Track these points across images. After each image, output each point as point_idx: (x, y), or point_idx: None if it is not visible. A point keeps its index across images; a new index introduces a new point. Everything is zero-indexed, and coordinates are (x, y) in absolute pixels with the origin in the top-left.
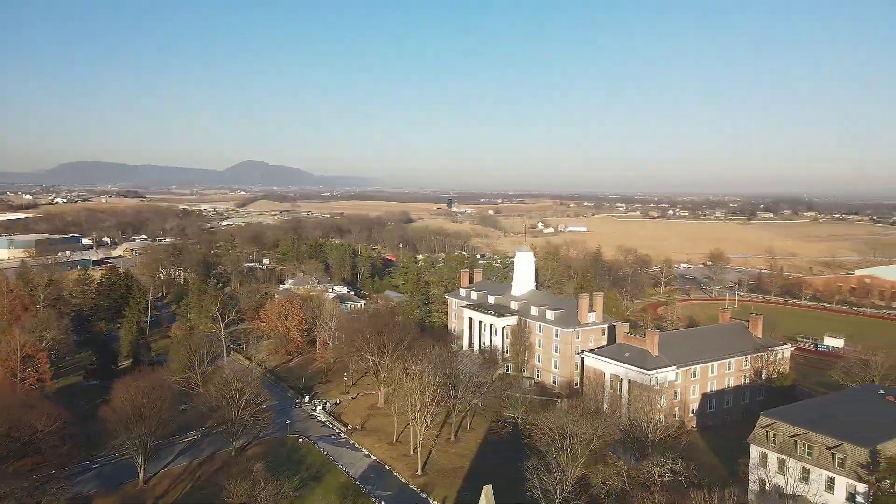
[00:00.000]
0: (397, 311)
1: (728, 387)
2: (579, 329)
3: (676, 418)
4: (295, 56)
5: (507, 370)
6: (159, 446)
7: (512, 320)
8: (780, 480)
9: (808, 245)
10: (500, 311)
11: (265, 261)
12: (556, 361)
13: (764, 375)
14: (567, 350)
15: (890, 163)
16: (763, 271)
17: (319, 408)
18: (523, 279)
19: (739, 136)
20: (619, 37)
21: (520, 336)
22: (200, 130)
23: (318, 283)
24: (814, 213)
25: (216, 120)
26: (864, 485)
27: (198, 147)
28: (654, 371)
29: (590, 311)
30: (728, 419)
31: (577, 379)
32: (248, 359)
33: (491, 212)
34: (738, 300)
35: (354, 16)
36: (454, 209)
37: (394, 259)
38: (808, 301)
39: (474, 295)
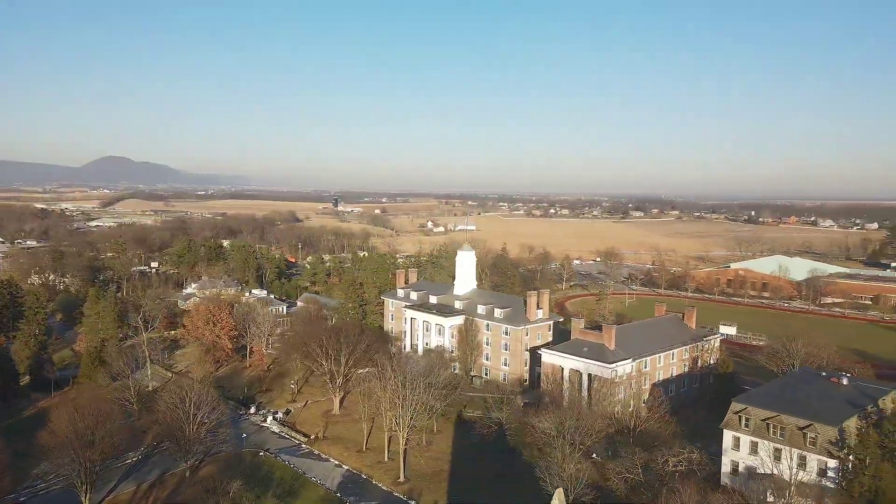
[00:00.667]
0: (331, 314)
1: (672, 376)
2: (528, 326)
3: (632, 409)
4: (158, 45)
5: (455, 370)
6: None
7: (459, 320)
8: (752, 461)
9: (680, 241)
10: (446, 310)
11: (153, 264)
12: (505, 359)
13: (700, 363)
14: (517, 347)
15: (734, 167)
16: (649, 266)
17: (270, 418)
18: (465, 278)
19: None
20: (484, 36)
21: (467, 335)
22: (51, 122)
23: (228, 286)
24: (678, 212)
25: (70, 111)
26: (835, 460)
27: (49, 141)
28: (615, 364)
29: (537, 309)
30: (676, 407)
31: (527, 375)
32: (169, 370)
33: (378, 211)
34: (636, 294)
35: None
36: (341, 208)
37: (294, 260)
38: (693, 293)
39: (414, 295)
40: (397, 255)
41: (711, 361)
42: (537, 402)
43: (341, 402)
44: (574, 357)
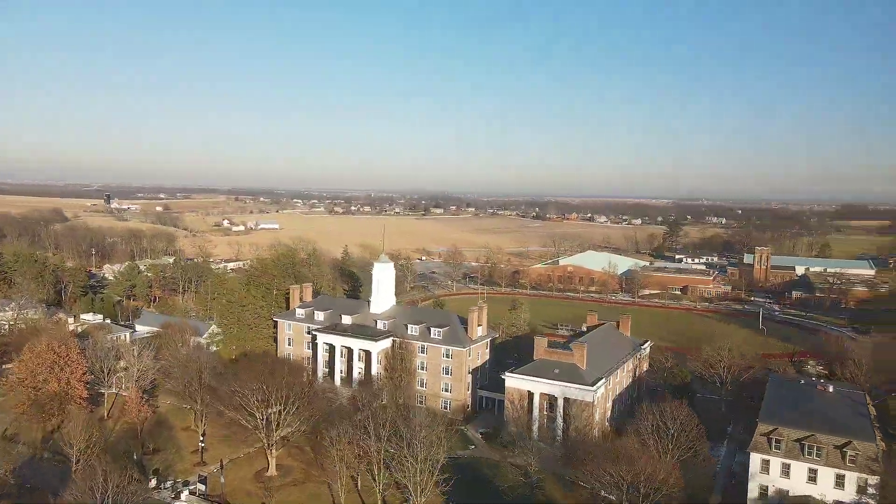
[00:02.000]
0: (208, 342)
1: (623, 390)
2: (472, 346)
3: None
4: None
5: (383, 401)
6: None
7: (388, 342)
8: (784, 484)
9: (492, 237)
10: (369, 332)
11: None
12: (447, 384)
13: (638, 374)
14: (460, 370)
15: (517, 166)
16: (477, 264)
17: (186, 493)
18: (384, 294)
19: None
20: (258, 20)
21: (399, 360)
22: None
23: (26, 309)
24: (473, 209)
25: None
26: (876, 477)
27: None
28: (596, 386)
29: (477, 326)
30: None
31: (470, 400)
32: None
33: (160, 208)
34: (478, 293)
35: None
36: (115, 205)
37: (90, 270)
38: (530, 290)
39: (320, 315)
40: (212, 260)
41: (644, 369)
42: (496, 433)
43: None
44: (547, 381)
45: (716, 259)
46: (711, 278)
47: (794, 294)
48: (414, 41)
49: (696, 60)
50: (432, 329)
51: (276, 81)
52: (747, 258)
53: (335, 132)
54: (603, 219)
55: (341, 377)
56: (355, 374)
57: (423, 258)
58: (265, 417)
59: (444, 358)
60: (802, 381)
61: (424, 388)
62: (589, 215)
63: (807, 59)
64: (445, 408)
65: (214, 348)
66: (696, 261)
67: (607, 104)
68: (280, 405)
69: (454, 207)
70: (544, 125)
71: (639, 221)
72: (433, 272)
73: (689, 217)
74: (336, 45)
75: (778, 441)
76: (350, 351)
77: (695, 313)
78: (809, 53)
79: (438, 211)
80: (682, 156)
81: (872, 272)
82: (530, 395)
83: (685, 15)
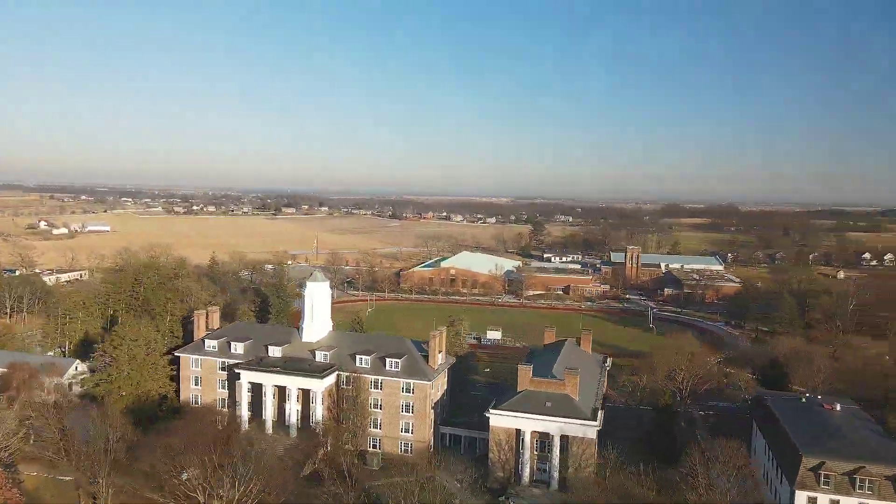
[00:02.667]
0: (87, 384)
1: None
2: (435, 379)
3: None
4: None
5: (328, 448)
6: None
7: (333, 378)
8: None
9: (349, 238)
10: (310, 367)
11: None
12: (408, 423)
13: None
14: (424, 407)
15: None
16: (350, 267)
17: None
18: (320, 319)
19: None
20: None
21: (351, 398)
22: None
23: None
24: (326, 208)
25: None
26: None
27: None
28: (598, 420)
29: (437, 353)
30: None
31: (433, 441)
32: None
33: None
34: (366, 300)
35: None
36: None
37: None
38: (415, 295)
39: (238, 347)
40: (39, 272)
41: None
42: (478, 479)
43: None
44: (540, 417)
45: (579, 257)
46: (591, 278)
47: (666, 291)
48: (247, 34)
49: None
50: (387, 360)
51: (82, 62)
52: (615, 257)
53: (149, 123)
54: (459, 217)
55: (273, 422)
56: (291, 419)
57: (305, 262)
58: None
59: (405, 393)
60: (803, 400)
61: (380, 430)
62: (445, 214)
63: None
64: (407, 451)
65: (80, 389)
66: (564, 259)
67: (437, 103)
68: (237, 485)
69: (306, 207)
70: (386, 123)
71: (493, 220)
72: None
73: (538, 215)
74: (163, 32)
75: (827, 476)
76: (283, 390)
77: (583, 314)
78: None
79: (291, 210)
80: (519, 153)
81: (721, 267)
82: (519, 433)
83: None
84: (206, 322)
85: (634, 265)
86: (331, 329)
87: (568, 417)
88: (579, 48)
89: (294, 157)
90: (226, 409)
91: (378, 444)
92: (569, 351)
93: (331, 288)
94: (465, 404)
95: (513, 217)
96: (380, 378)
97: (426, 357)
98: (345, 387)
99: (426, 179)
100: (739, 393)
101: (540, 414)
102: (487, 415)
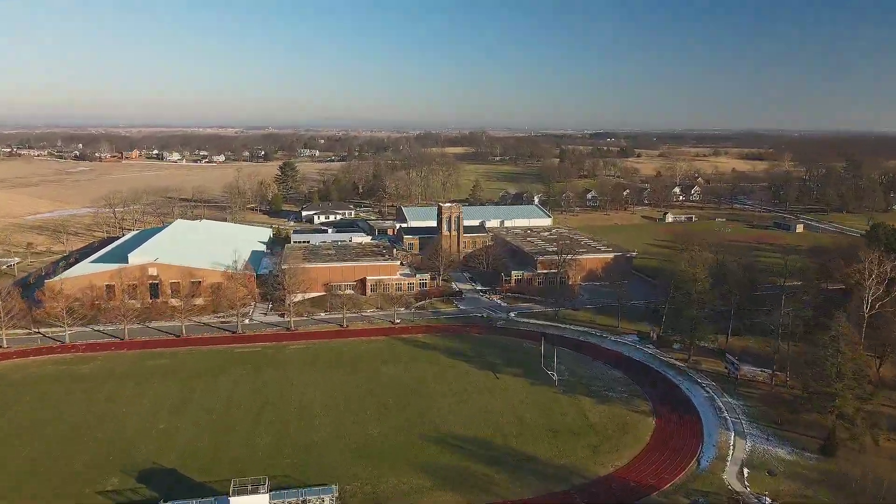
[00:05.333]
0: None
1: None
2: None
3: None
4: None
5: None
6: None
7: None
8: None
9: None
10: None
11: None
12: None
13: None
14: None
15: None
16: None
17: None
18: None
19: None
20: None
21: None
22: None
23: None
24: None
25: None
26: None
27: None
28: None
29: None
30: None
31: None
32: None
33: None
34: None
35: None
36: None
37: None
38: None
39: None
40: None
41: None
42: None
43: None
44: None
45: (351, 213)
46: (397, 263)
47: (513, 275)
48: None
49: None
50: None
51: None
52: (411, 215)
53: None
54: (176, 156)
55: None
56: None
57: None
58: None
59: None
60: None
61: None
62: (156, 152)
63: None
64: None
65: None
66: (331, 219)
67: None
68: None
69: None
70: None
71: (221, 158)
72: None
73: (279, 150)
74: None
75: None
76: None
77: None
78: None
79: None
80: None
81: (550, 220)
82: None
83: None
84: None
85: (454, 231)
86: None
87: None
88: None
89: None
90: None
91: None
92: None
93: None
94: None
95: (246, 153)
96: None
97: None
98: None
99: (128, 108)
100: None
101: None
102: None
